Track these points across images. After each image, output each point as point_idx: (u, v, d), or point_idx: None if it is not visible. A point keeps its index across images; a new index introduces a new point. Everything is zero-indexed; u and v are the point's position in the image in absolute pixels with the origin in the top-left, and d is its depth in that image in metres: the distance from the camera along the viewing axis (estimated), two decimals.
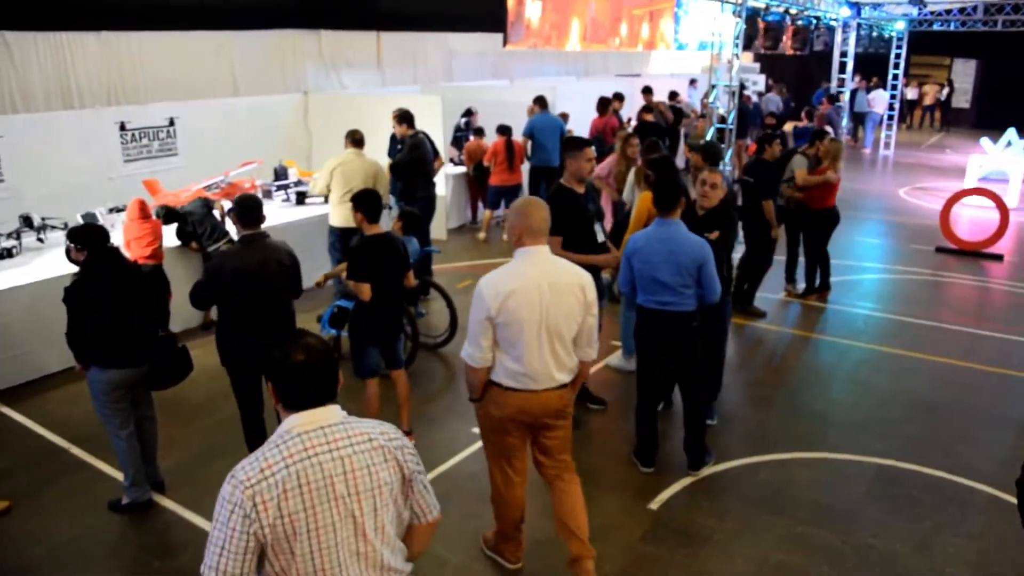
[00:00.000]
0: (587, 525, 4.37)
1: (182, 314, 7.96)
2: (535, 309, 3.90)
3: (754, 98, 18.63)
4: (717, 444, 5.86)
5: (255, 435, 5.32)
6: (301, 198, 9.91)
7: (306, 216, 9.39)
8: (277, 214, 9.12)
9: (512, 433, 4.21)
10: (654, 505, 5.20)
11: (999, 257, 11.28)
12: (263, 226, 5.17)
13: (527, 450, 4.36)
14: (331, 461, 2.43)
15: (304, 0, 12.07)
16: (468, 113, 12.97)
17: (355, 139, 8.17)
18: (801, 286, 9.48)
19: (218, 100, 10.82)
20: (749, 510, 5.16)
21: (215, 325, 5.38)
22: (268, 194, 9.87)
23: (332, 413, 2.52)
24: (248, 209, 5.06)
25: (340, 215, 8.07)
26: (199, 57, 10.57)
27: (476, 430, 6.06)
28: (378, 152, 10.16)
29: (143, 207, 7.37)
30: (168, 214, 7.96)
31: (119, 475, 5.29)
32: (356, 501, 2.46)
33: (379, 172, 8.19)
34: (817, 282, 9.35)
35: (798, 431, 6.27)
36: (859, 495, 5.39)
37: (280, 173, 10.26)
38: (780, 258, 9.21)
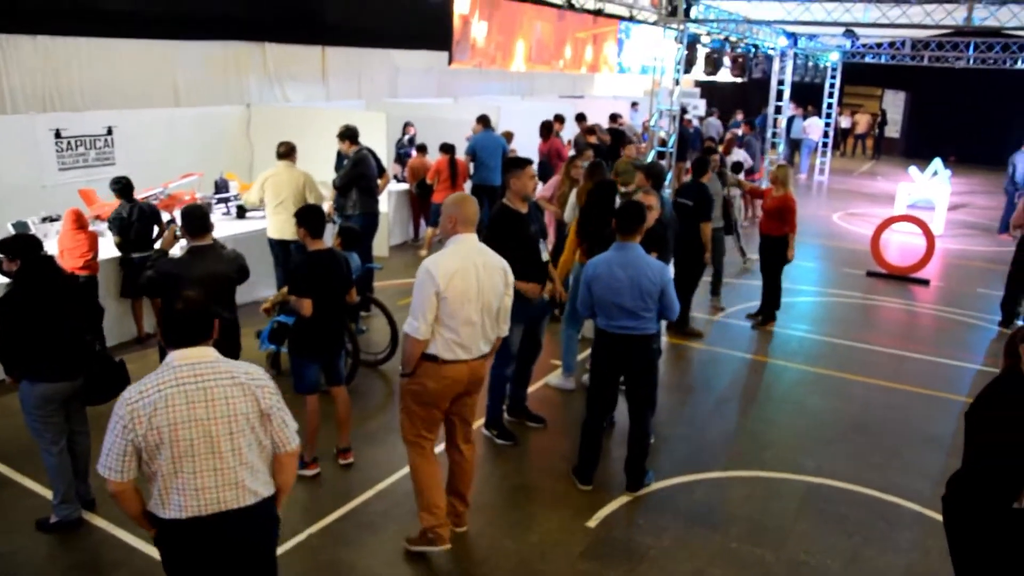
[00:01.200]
0: (471, 486, 5.06)
1: (118, 327, 7.81)
2: (474, 285, 4.47)
3: (695, 123, 18.99)
4: (654, 463, 5.94)
5: None
6: (242, 211, 9.80)
7: (247, 230, 9.28)
8: (217, 227, 8.96)
9: (440, 405, 4.65)
10: (592, 522, 5.24)
11: (926, 282, 11.67)
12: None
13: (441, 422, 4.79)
14: (196, 390, 3.08)
15: (249, 12, 11.96)
16: (404, 127, 12.99)
17: (282, 152, 8.36)
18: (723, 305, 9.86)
19: (159, 110, 10.65)
20: (685, 527, 5.24)
21: (152, 337, 5.30)
22: (208, 207, 9.70)
23: (204, 352, 3.20)
24: (193, 219, 5.01)
25: (273, 227, 8.33)
26: (140, 65, 10.39)
27: None
28: (324, 165, 10.14)
29: (79, 217, 7.21)
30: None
31: (47, 493, 5.13)
32: (214, 424, 3.09)
33: (308, 182, 8.32)
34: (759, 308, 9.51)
35: (733, 450, 6.40)
36: (791, 512, 5.51)
37: (221, 186, 10.13)
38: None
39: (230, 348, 5.27)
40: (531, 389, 7.22)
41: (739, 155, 14.47)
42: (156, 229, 7.87)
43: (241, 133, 11.91)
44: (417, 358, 4.50)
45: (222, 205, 9.91)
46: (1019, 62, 18.29)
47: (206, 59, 11.32)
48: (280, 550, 4.75)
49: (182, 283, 4.91)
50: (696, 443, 6.48)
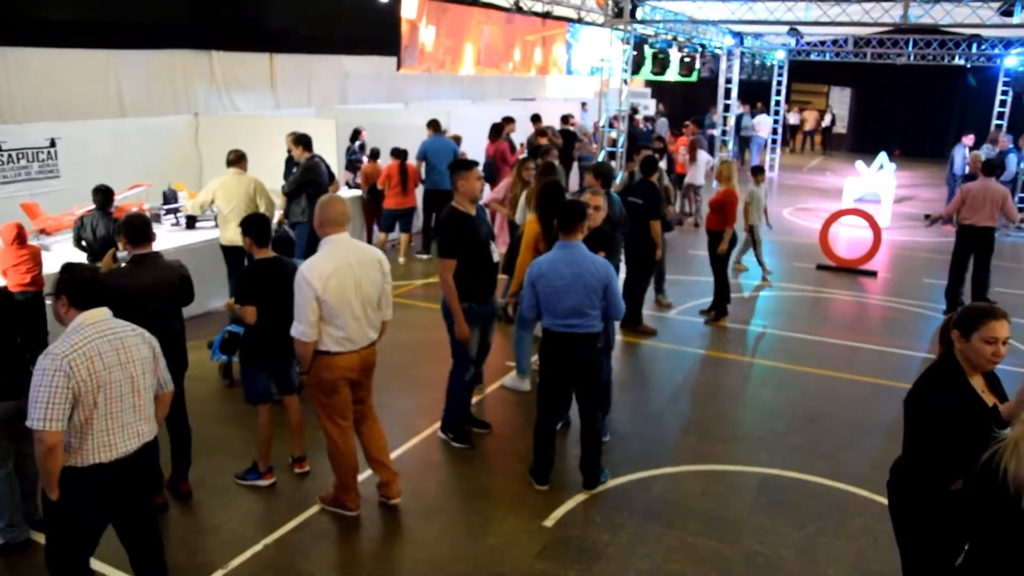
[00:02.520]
0: (389, 453, 5.48)
1: None
2: (351, 283, 4.77)
3: (645, 123, 19.15)
4: (610, 460, 5.98)
5: None
6: (191, 222, 9.69)
7: (197, 240, 9.17)
8: (167, 238, 8.90)
9: (341, 391, 4.99)
10: (549, 522, 5.26)
11: (873, 273, 11.91)
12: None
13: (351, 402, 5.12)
14: (114, 340, 3.63)
15: (194, 20, 11.81)
16: (356, 133, 12.94)
17: (232, 159, 8.40)
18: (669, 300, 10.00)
19: (104, 120, 10.47)
20: (641, 523, 5.29)
21: None
22: (157, 218, 9.59)
23: (104, 312, 3.73)
24: (135, 228, 4.95)
25: (226, 234, 8.34)
26: (82, 76, 10.20)
27: None
28: (274, 173, 10.07)
29: (20, 232, 7.05)
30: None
31: None
32: (132, 367, 3.66)
33: (259, 188, 8.36)
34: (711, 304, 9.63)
35: (688, 445, 6.47)
36: (746, 504, 5.59)
37: (169, 196, 10.00)
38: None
39: (176, 359, 5.20)
40: (488, 390, 7.27)
41: (704, 156, 14.70)
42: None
43: (189, 143, 11.78)
44: (310, 356, 4.85)
45: (171, 216, 9.79)
46: (956, 58, 18.77)
47: (151, 68, 11.15)
48: (236, 561, 4.76)
49: (128, 294, 4.85)
50: (651, 439, 6.54)
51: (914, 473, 3.50)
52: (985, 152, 14.17)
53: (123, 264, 5.17)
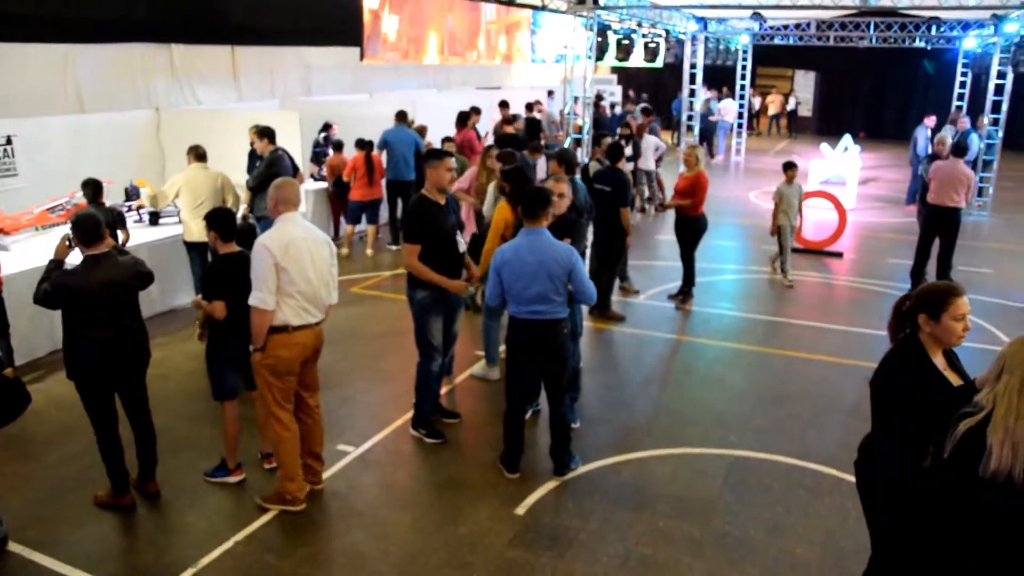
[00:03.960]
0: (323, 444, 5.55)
1: (27, 344, 7.54)
2: (307, 254, 4.92)
3: (611, 109, 19.14)
4: (580, 447, 6.00)
5: (113, 451, 5.15)
6: (155, 218, 9.57)
7: (161, 236, 9.06)
8: (131, 236, 8.76)
9: (294, 371, 5.05)
10: (520, 510, 5.27)
11: (839, 255, 12.03)
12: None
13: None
14: None
15: (151, 13, 11.60)
16: (326, 127, 12.83)
17: (198, 154, 8.34)
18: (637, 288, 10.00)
19: (62, 116, 10.28)
20: (612, 509, 5.31)
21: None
22: (123, 215, 9.44)
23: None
24: (85, 228, 4.87)
25: (194, 229, 8.18)
26: (39, 71, 9.97)
27: (341, 447, 6.03)
28: (239, 167, 9.95)
29: None
30: None
31: None
32: None
33: (225, 182, 8.31)
34: (680, 288, 9.68)
35: (657, 429, 6.50)
36: (716, 486, 5.63)
37: (132, 193, 9.87)
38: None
39: (136, 356, 5.15)
40: (457, 380, 7.25)
41: (653, 140, 14.70)
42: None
43: (151, 138, 11.60)
44: (266, 331, 4.89)
45: (134, 213, 9.65)
46: (917, 40, 18.94)
47: (109, 63, 10.95)
48: (206, 560, 4.72)
49: (80, 294, 4.79)
50: (621, 425, 6.57)
51: (881, 452, 3.54)
52: (947, 133, 14.33)
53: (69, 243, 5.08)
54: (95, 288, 4.84)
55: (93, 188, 7.55)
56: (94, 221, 4.91)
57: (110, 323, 4.94)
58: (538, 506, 5.33)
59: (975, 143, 15.14)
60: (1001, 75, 15.46)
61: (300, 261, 4.89)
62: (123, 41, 11.01)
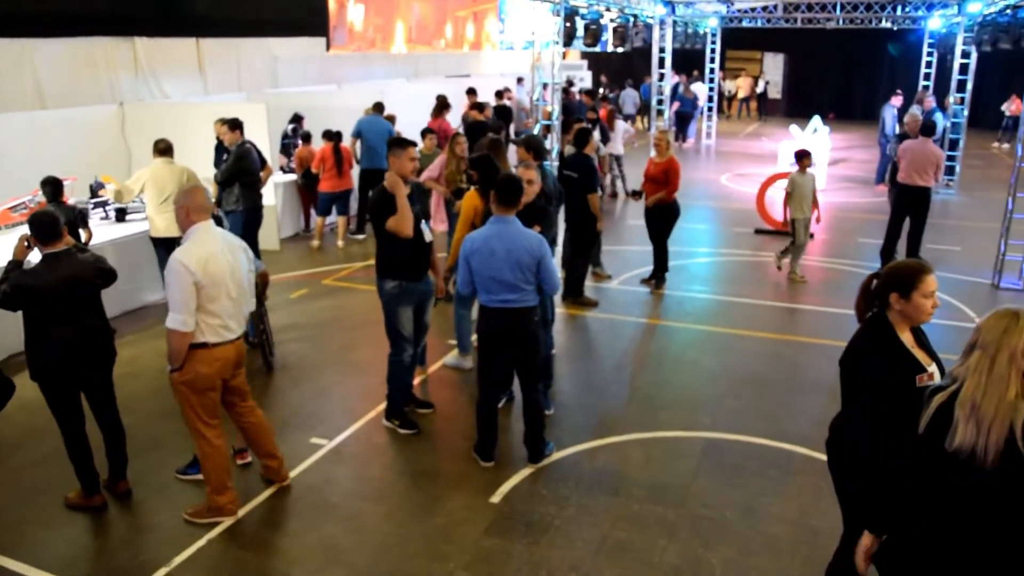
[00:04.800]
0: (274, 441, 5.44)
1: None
2: (226, 267, 4.71)
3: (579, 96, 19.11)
4: (554, 433, 6.01)
5: (80, 452, 5.09)
6: (121, 215, 9.44)
7: (128, 233, 8.95)
8: (95, 233, 8.64)
9: (215, 387, 4.87)
10: (496, 498, 5.27)
11: (810, 235, 12.07)
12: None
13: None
14: None
15: (112, 5, 11.44)
16: (296, 119, 12.72)
17: (163, 148, 8.22)
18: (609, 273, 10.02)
19: (22, 113, 10.10)
20: (588, 494, 5.32)
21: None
22: (85, 212, 9.31)
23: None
24: (42, 227, 4.80)
25: (161, 224, 8.14)
26: None
27: (315, 440, 5.99)
28: (206, 160, 9.84)
29: None
30: None
31: None
32: None
33: (191, 177, 8.20)
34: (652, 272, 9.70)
35: (632, 413, 6.52)
36: (690, 469, 5.66)
37: (96, 189, 9.72)
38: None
39: (100, 355, 5.08)
40: (430, 370, 7.23)
41: (622, 125, 14.71)
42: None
43: (115, 133, 11.43)
44: (185, 350, 4.66)
45: (99, 209, 9.52)
46: (883, 20, 19.06)
47: (70, 57, 10.77)
48: (179, 558, 4.68)
49: (40, 293, 4.71)
50: (595, 410, 6.58)
51: (851, 430, 3.57)
52: (916, 112, 14.44)
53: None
54: (55, 287, 4.78)
55: (53, 186, 7.44)
56: (50, 219, 4.84)
57: (72, 322, 4.87)
58: (513, 494, 5.33)
59: (940, 122, 15.27)
60: (965, 54, 15.62)
61: (221, 278, 4.67)
62: (84, 35, 10.84)
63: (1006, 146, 21.95)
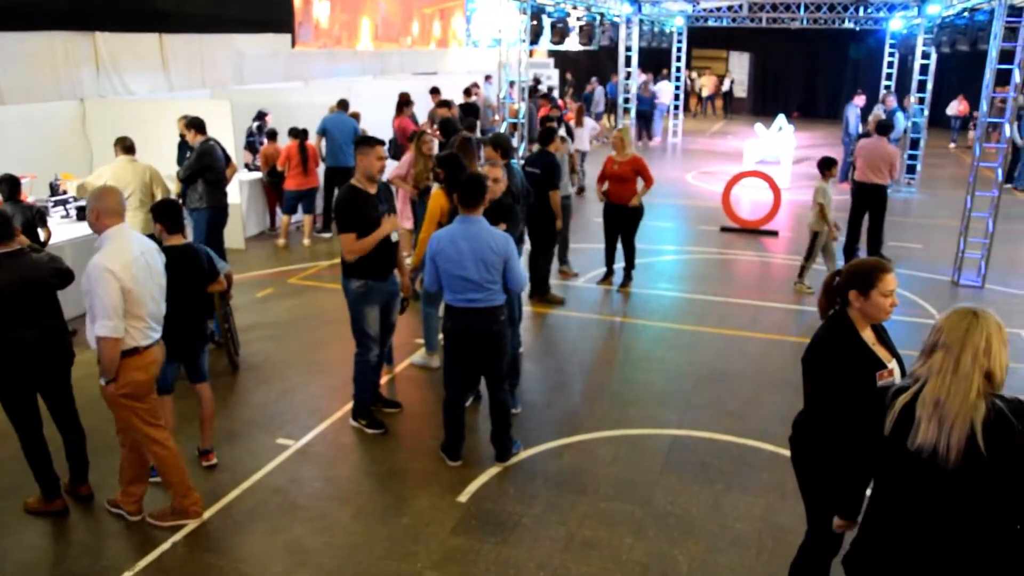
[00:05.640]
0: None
1: None
2: (148, 271, 4.66)
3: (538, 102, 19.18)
4: (521, 432, 6.01)
5: (38, 455, 5.00)
6: (82, 213, 9.29)
7: (89, 232, 8.72)
8: (55, 232, 8.50)
9: (152, 389, 4.83)
10: (463, 497, 5.26)
11: (775, 233, 12.23)
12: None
13: None
14: None
15: (74, 1, 11.25)
16: (260, 116, 12.60)
17: (125, 146, 8.08)
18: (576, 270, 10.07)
19: None
20: (555, 492, 5.33)
21: None
22: (44, 211, 9.15)
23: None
24: None
25: None
26: None
27: (281, 440, 5.95)
28: (169, 158, 9.71)
29: None
30: None
31: None
32: None
33: (154, 175, 8.12)
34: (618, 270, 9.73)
35: (599, 411, 6.54)
36: (657, 466, 5.69)
37: (57, 188, 9.56)
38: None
39: (57, 356, 5.00)
40: (397, 369, 7.21)
41: (589, 123, 14.75)
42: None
43: (76, 130, 11.25)
44: (118, 359, 4.56)
45: (60, 208, 9.36)
46: (845, 21, 19.32)
47: (28, 53, 10.56)
48: (143, 562, 4.62)
49: None
50: (562, 408, 6.59)
51: (813, 427, 3.61)
52: (880, 112, 14.65)
53: None
54: (8, 287, 4.69)
55: (9, 185, 7.32)
56: (2, 218, 4.75)
57: (28, 323, 4.78)
58: (481, 493, 5.33)
59: (900, 121, 15.52)
60: (925, 55, 15.89)
61: (144, 281, 4.60)
62: (43, 29, 10.64)
63: (952, 146, 22.37)
